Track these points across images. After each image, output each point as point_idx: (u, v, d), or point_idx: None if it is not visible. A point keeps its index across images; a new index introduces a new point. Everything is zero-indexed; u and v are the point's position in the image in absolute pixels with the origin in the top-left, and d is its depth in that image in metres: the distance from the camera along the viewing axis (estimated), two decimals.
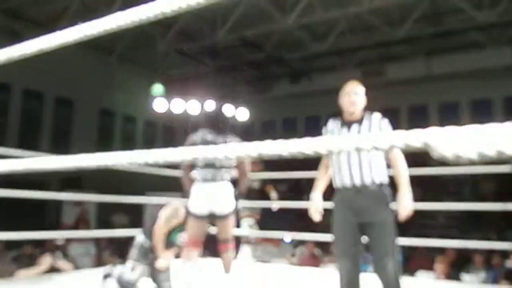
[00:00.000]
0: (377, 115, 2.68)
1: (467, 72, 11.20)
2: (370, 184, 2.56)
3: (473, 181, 10.47)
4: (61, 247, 4.65)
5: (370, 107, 2.73)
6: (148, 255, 3.25)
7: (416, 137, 0.69)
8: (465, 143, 0.62)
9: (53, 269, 4.38)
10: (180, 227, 3.32)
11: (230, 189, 3.21)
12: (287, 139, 0.85)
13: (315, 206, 2.74)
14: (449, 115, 11.97)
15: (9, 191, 3.59)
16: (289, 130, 14.39)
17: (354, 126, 2.63)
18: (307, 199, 2.92)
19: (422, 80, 11.84)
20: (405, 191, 2.52)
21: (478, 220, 8.51)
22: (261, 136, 13.68)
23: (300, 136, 0.83)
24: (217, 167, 3.15)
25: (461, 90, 11.64)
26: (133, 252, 3.27)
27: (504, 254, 6.59)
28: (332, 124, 2.75)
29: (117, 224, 9.49)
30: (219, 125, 3.28)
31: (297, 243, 8.40)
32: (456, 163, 0.65)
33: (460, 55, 11.27)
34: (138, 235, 3.38)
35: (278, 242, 7.72)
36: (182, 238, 3.33)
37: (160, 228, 3.23)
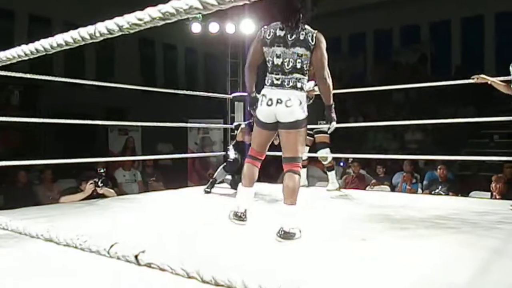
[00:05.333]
0: None
1: None
2: None
3: None
4: (103, 174, 4.64)
5: None
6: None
7: None
8: None
9: (96, 196, 4.41)
10: None
11: (299, 96, 2.82)
12: None
13: None
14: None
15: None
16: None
17: None
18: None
19: None
20: None
21: None
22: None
23: None
24: (286, 72, 2.82)
25: None
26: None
27: None
28: None
29: (162, 152, 9.62)
30: (291, 17, 2.77)
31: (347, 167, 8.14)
32: None
33: None
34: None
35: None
36: None
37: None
